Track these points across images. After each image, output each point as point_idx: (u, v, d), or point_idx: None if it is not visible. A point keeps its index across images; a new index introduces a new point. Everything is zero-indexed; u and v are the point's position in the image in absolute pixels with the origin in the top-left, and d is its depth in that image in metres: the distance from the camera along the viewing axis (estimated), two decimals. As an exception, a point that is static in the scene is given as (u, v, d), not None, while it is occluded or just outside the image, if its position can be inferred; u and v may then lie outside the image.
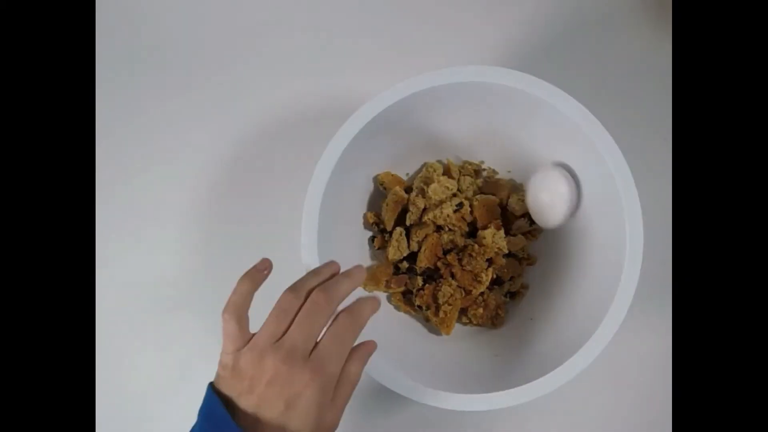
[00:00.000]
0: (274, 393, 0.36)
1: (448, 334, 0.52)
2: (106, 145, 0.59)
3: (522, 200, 0.53)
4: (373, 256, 0.55)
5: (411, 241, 0.53)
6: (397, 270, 0.54)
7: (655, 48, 0.59)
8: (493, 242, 0.52)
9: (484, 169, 0.56)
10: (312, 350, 0.37)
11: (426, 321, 0.54)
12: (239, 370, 0.37)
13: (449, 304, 0.51)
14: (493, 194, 0.53)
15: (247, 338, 0.38)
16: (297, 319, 0.38)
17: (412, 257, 0.54)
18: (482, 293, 0.53)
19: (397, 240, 0.53)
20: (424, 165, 0.55)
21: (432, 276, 0.54)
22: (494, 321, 0.53)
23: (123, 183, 0.59)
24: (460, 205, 0.52)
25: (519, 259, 0.54)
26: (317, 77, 0.60)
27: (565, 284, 0.52)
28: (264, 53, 0.61)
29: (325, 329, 0.39)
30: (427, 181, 0.53)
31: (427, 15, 0.61)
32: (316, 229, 0.46)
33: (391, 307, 0.54)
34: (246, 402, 0.37)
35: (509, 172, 0.56)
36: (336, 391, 0.38)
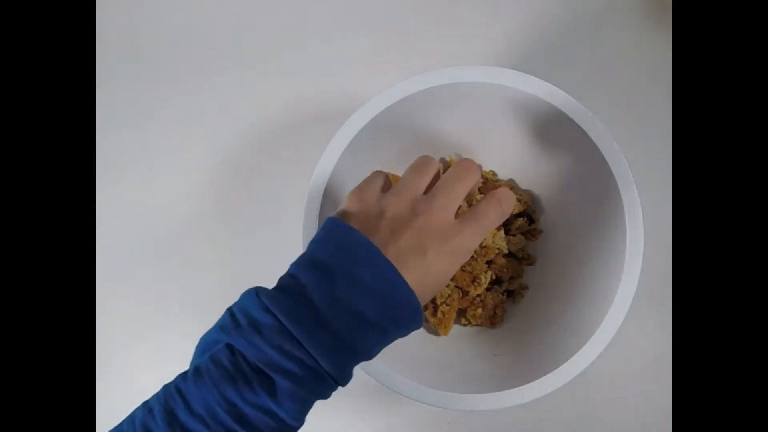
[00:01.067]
0: (421, 239, 0.34)
1: (446, 334, 0.52)
2: (106, 145, 0.59)
3: (519, 199, 0.53)
4: None
5: None
6: None
7: (656, 47, 0.59)
8: (493, 243, 0.52)
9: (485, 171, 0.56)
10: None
11: (425, 321, 0.54)
12: (378, 204, 0.36)
13: (447, 305, 0.51)
14: None
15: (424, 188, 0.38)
16: (440, 184, 0.37)
17: None
18: (479, 294, 0.53)
19: None
20: None
21: None
22: (492, 320, 0.53)
23: (122, 183, 0.59)
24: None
25: (518, 259, 0.54)
26: (317, 77, 0.60)
27: (564, 284, 0.52)
28: (264, 54, 0.61)
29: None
30: None
31: (426, 15, 0.61)
32: (316, 232, 0.46)
33: None
34: (385, 239, 0.34)
35: (509, 172, 0.56)
36: None
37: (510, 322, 0.54)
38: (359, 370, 0.44)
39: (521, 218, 0.54)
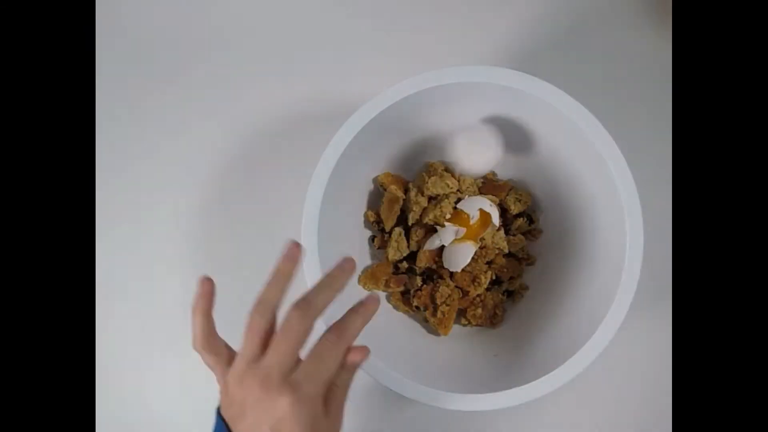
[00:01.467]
0: (259, 419, 0.35)
1: (445, 334, 0.52)
2: (105, 145, 0.59)
3: (519, 199, 0.53)
4: (373, 256, 0.55)
5: (411, 241, 0.53)
6: (396, 270, 0.54)
7: (656, 47, 0.58)
8: (493, 243, 0.52)
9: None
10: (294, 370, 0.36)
11: (424, 321, 0.54)
12: (230, 393, 0.37)
13: (447, 305, 0.51)
14: (493, 195, 0.53)
15: (259, 352, 0.37)
16: (273, 340, 0.37)
17: (411, 257, 0.54)
18: (479, 295, 0.53)
19: (396, 240, 0.53)
20: (426, 164, 0.55)
21: (431, 276, 0.54)
22: (492, 320, 0.53)
23: (122, 182, 0.59)
24: (459, 201, 0.52)
25: (518, 259, 0.54)
26: (318, 78, 0.60)
27: (564, 284, 0.52)
28: (264, 55, 0.61)
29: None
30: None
31: (426, 15, 0.61)
32: (316, 232, 0.46)
33: (390, 306, 0.54)
34: (237, 426, 0.36)
35: (509, 172, 0.56)
36: (328, 402, 0.37)
37: (510, 322, 0.54)
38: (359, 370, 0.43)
39: (521, 218, 0.54)
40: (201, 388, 0.56)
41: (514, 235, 0.54)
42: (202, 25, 0.62)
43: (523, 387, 0.44)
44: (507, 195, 0.54)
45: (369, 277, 0.53)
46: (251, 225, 0.58)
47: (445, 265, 0.52)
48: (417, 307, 0.53)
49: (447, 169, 0.54)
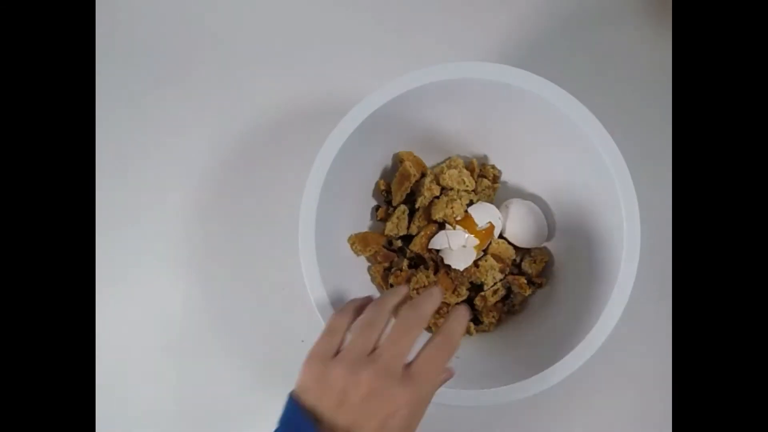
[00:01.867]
0: (370, 410, 0.35)
1: None
2: (105, 144, 0.59)
3: (534, 261, 0.53)
4: (371, 228, 0.55)
5: (411, 224, 0.53)
6: (389, 245, 0.54)
7: (656, 47, 0.59)
8: (490, 287, 0.52)
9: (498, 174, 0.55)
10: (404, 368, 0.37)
11: None
12: (329, 381, 0.36)
13: (418, 293, 0.51)
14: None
15: (336, 350, 0.38)
16: (391, 335, 0.37)
17: (407, 239, 0.54)
18: (448, 304, 0.52)
19: (398, 217, 0.53)
20: (448, 159, 0.54)
21: (418, 264, 0.53)
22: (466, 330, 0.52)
23: (122, 181, 0.59)
24: (471, 203, 0.52)
25: (532, 282, 0.54)
26: (315, 74, 0.60)
27: (562, 283, 0.52)
28: (262, 52, 0.61)
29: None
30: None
31: (425, 12, 0.61)
32: (313, 235, 0.46)
33: (368, 277, 0.54)
34: (335, 416, 0.35)
35: (509, 171, 0.55)
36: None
37: (507, 322, 0.54)
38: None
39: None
40: (201, 387, 0.56)
41: (535, 261, 0.53)
42: (200, 25, 0.62)
43: (519, 383, 0.44)
44: (522, 258, 0.54)
45: (360, 239, 0.53)
46: (249, 222, 0.58)
47: (446, 261, 0.52)
48: (392, 285, 0.53)
49: (467, 168, 0.54)
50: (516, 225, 0.52)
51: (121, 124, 0.60)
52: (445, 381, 0.39)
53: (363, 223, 0.55)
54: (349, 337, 0.39)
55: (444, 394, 0.44)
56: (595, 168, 0.46)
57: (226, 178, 0.59)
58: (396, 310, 0.41)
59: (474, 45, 0.60)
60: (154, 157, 0.60)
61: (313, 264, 0.46)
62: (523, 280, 0.52)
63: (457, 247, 0.51)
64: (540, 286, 0.54)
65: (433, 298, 0.40)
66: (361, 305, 0.41)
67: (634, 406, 0.55)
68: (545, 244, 0.54)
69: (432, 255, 0.53)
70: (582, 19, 0.60)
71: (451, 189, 0.52)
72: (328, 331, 0.39)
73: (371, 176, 0.54)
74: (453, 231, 0.51)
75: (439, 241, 0.51)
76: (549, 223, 0.53)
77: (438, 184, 0.52)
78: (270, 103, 0.60)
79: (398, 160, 0.54)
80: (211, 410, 0.56)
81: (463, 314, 0.40)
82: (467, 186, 0.52)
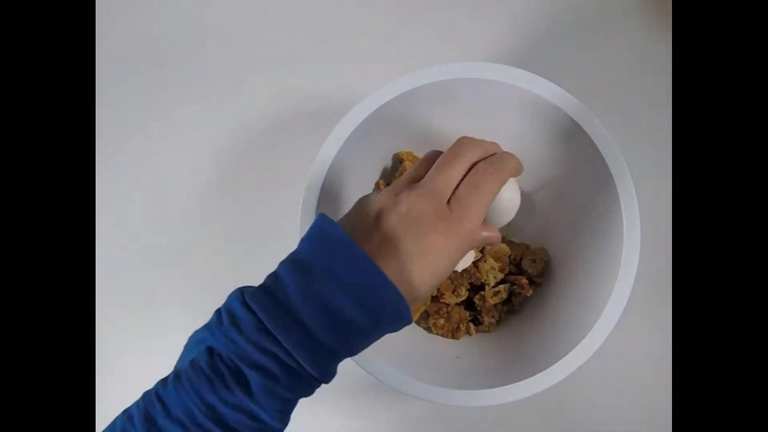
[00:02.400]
0: (407, 226, 0.33)
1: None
2: (104, 144, 0.59)
3: (534, 260, 0.53)
4: None
5: None
6: None
7: (656, 47, 0.59)
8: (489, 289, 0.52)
9: None
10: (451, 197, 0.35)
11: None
12: (369, 203, 0.35)
13: None
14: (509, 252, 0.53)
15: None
16: (434, 166, 0.36)
17: None
18: (447, 304, 0.52)
19: None
20: None
21: None
22: (455, 334, 0.52)
23: (121, 181, 0.59)
24: None
25: (532, 282, 0.53)
26: (315, 75, 0.60)
27: (562, 282, 0.52)
28: (261, 51, 0.61)
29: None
30: None
31: (426, 11, 0.61)
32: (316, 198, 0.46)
33: None
34: (369, 231, 0.34)
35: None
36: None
37: (507, 322, 0.54)
38: (356, 366, 0.44)
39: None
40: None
41: (534, 261, 0.53)
42: (199, 25, 0.62)
43: (517, 384, 0.44)
44: (522, 256, 0.54)
45: None
46: (249, 221, 0.58)
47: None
48: None
49: None
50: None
51: (122, 124, 0.60)
52: (488, 239, 0.37)
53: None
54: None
55: (443, 394, 0.44)
56: (594, 168, 0.46)
57: (226, 178, 0.59)
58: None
59: (474, 45, 0.60)
60: (153, 156, 0.60)
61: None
62: (524, 281, 0.52)
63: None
64: (539, 285, 0.54)
65: (515, 159, 0.38)
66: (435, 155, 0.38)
67: (634, 406, 0.55)
68: (544, 244, 0.54)
69: None
70: (582, 19, 0.60)
71: None
72: (419, 161, 0.38)
73: (371, 176, 0.54)
74: None
75: None
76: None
77: None
78: (269, 103, 0.60)
79: (398, 159, 0.54)
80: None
81: (517, 159, 0.39)
82: None
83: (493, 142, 0.40)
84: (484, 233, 0.37)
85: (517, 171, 0.39)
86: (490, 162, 0.37)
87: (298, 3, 0.62)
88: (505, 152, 0.39)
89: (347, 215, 0.36)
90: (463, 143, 0.38)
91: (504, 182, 0.38)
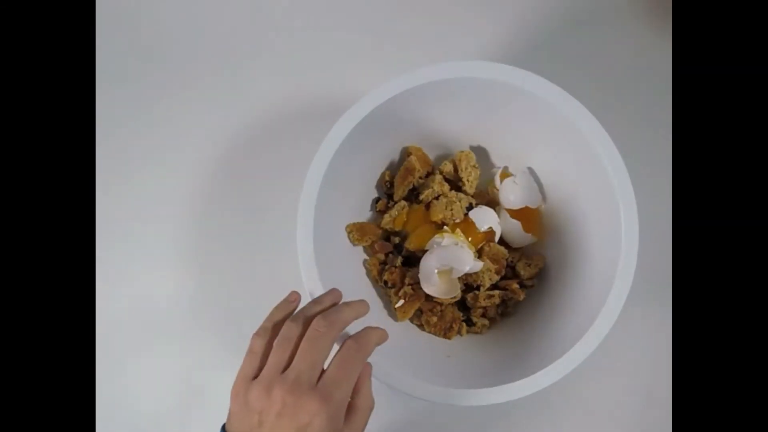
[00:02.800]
0: (284, 425, 0.36)
1: (401, 320, 0.52)
2: (104, 144, 0.59)
3: (528, 265, 0.53)
4: (370, 219, 0.55)
5: (408, 219, 0.53)
6: (387, 240, 0.54)
7: (655, 47, 0.59)
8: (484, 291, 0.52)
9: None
10: (319, 378, 0.38)
11: (388, 300, 0.54)
12: (249, 404, 0.37)
13: (413, 290, 0.51)
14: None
15: (257, 370, 0.39)
16: (300, 347, 0.38)
17: (404, 237, 0.54)
18: (441, 303, 0.52)
19: (397, 211, 0.53)
20: (457, 153, 0.54)
21: (412, 262, 0.53)
22: (447, 333, 0.52)
23: (121, 180, 0.59)
24: (469, 207, 0.52)
25: (523, 285, 0.53)
26: (314, 74, 0.60)
27: (559, 283, 0.52)
28: (260, 52, 0.61)
29: (330, 357, 0.39)
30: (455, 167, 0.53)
31: (426, 11, 0.61)
32: (311, 234, 0.46)
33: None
34: None
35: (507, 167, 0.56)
36: (351, 417, 0.39)
37: (502, 323, 0.54)
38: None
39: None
40: (200, 386, 0.56)
41: (529, 264, 0.53)
42: (198, 24, 0.62)
43: (516, 383, 0.44)
44: (519, 261, 0.54)
45: (358, 228, 0.53)
46: (249, 222, 0.58)
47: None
48: (386, 282, 0.53)
49: (475, 166, 0.54)
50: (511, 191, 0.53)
51: (122, 124, 0.60)
52: (368, 378, 0.40)
53: (363, 215, 0.55)
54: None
55: (437, 393, 0.44)
56: (593, 167, 0.46)
57: (228, 173, 0.59)
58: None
59: (474, 45, 0.60)
60: (153, 156, 0.60)
61: (310, 255, 0.46)
62: (516, 285, 0.52)
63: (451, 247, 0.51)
64: (532, 287, 0.53)
65: (351, 307, 0.41)
66: (282, 319, 0.41)
67: (634, 407, 0.55)
68: (540, 245, 0.54)
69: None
70: (582, 20, 0.60)
71: (460, 181, 0.53)
72: (249, 354, 0.40)
73: (376, 168, 0.54)
74: (449, 243, 0.51)
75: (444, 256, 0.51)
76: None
77: (447, 181, 0.52)
78: (269, 103, 0.60)
79: (406, 153, 0.54)
80: (211, 408, 0.56)
81: (381, 331, 0.41)
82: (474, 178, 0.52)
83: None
84: (363, 393, 0.40)
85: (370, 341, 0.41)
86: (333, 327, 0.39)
87: (298, 3, 0.62)
88: (369, 327, 0.41)
89: (233, 416, 0.38)
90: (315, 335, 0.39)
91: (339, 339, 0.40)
